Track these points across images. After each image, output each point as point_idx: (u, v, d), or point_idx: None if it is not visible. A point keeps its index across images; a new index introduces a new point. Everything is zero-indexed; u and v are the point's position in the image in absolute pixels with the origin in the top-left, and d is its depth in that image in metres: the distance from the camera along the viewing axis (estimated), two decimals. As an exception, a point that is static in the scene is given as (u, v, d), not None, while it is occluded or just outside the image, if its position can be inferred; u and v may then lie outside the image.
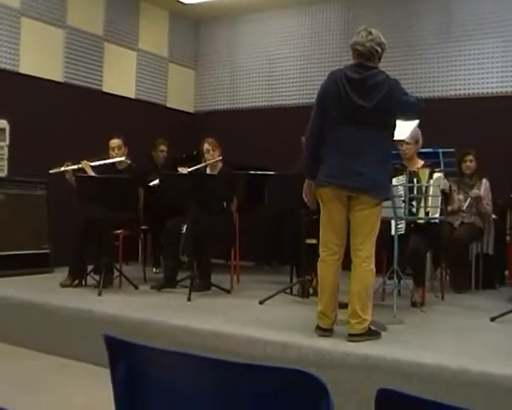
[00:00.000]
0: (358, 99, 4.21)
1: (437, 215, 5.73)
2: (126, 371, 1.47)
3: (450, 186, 6.59)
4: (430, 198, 5.58)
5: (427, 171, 5.85)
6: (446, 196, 6.34)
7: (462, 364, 3.71)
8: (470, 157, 7.04)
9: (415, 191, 5.55)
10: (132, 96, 9.23)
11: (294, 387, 1.22)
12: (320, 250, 4.40)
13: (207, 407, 1.40)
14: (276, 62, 9.63)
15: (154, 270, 7.66)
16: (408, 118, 4.62)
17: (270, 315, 5.16)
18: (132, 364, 1.47)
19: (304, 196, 4.61)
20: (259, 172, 7.23)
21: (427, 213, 5.68)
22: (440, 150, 7.08)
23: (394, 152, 5.57)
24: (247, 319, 4.94)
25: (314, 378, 1.18)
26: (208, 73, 10.30)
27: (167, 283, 6.27)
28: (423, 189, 5.58)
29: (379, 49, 4.34)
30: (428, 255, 6.29)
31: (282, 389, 1.24)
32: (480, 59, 8.26)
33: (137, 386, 1.52)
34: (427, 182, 5.69)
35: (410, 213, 5.58)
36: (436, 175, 5.80)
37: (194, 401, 1.44)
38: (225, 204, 6.42)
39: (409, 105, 4.34)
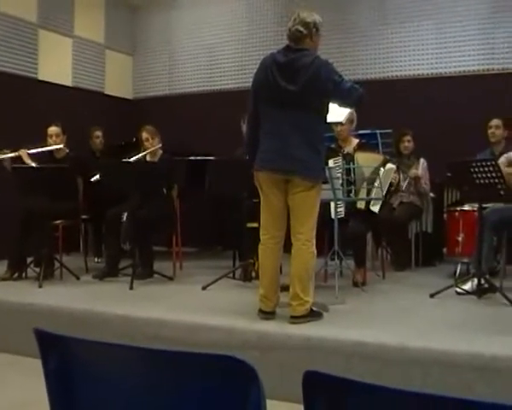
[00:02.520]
0: (285, 83, 4.21)
1: (377, 208, 5.81)
2: (58, 364, 1.46)
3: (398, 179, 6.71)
4: (375, 189, 5.64)
5: (381, 158, 5.93)
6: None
7: (402, 341, 3.78)
8: (408, 137, 7.14)
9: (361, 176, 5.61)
10: (69, 83, 9.06)
11: (223, 372, 1.22)
12: (260, 234, 4.42)
13: (139, 396, 1.39)
14: (215, 47, 9.59)
15: (96, 259, 7.58)
16: (344, 103, 4.59)
17: (212, 301, 5.16)
18: (64, 357, 1.45)
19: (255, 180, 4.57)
20: (200, 158, 7.21)
21: (368, 203, 5.75)
22: (378, 131, 7.18)
23: (329, 134, 5.61)
24: (189, 306, 4.93)
25: (242, 363, 1.18)
26: (146, 59, 10.19)
27: (109, 272, 6.20)
28: (364, 171, 5.63)
29: (304, 30, 4.30)
30: (369, 235, 6.38)
31: (211, 375, 1.25)
32: (416, 41, 8.38)
33: (69, 379, 1.51)
34: (378, 169, 5.74)
35: (349, 196, 5.64)
36: (388, 166, 5.88)
37: (126, 390, 1.44)
38: (166, 191, 6.39)
39: (344, 90, 4.28)
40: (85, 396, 1.48)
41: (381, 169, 5.75)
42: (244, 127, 4.77)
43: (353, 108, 4.99)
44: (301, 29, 4.30)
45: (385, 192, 5.77)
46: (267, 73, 4.29)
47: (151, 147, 6.50)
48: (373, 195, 5.68)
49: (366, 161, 5.79)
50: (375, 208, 5.82)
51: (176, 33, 9.92)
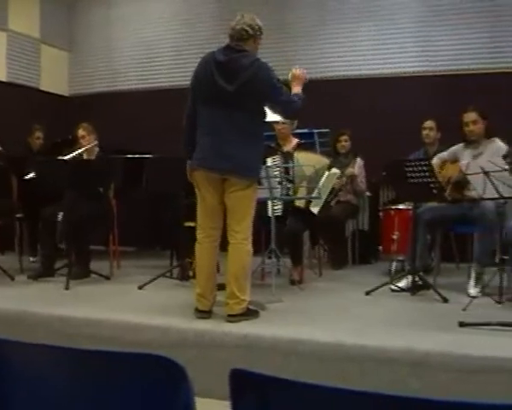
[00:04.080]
0: (223, 82, 4.22)
1: (317, 209, 5.87)
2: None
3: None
4: (316, 190, 5.69)
5: (326, 161, 5.98)
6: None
7: (338, 338, 3.82)
8: (345, 137, 7.24)
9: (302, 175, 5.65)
10: (4, 78, 8.86)
11: (153, 372, 1.21)
12: (197, 233, 4.42)
13: (69, 396, 1.38)
14: (153, 44, 9.51)
15: (31, 259, 7.42)
16: (278, 112, 4.64)
17: (149, 300, 5.13)
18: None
19: (188, 178, 4.55)
20: (137, 156, 7.15)
21: (308, 203, 5.80)
22: (315, 131, 7.25)
23: (268, 133, 5.64)
24: (126, 305, 4.88)
25: (172, 362, 1.18)
26: (84, 54, 10.03)
27: (45, 272, 6.09)
28: (305, 170, 5.67)
29: (249, 30, 4.34)
30: (306, 234, 6.44)
31: (140, 374, 1.24)
32: (354, 42, 8.49)
33: (2, 381, 1.48)
34: (322, 172, 5.80)
35: (287, 194, 5.68)
36: (333, 171, 5.94)
37: (60, 391, 1.42)
38: (102, 189, 6.31)
39: (281, 100, 4.34)
40: (19, 398, 1.46)
41: (326, 172, 5.82)
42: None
43: (287, 119, 5.06)
44: (247, 29, 4.34)
45: (326, 196, 5.85)
46: (206, 71, 4.30)
47: (87, 144, 6.41)
48: (315, 193, 5.74)
49: (309, 160, 5.81)
50: (315, 209, 5.87)
51: (115, 29, 9.80)
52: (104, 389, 1.30)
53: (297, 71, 4.56)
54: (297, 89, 4.49)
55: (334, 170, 6.03)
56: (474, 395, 3.37)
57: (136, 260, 7.65)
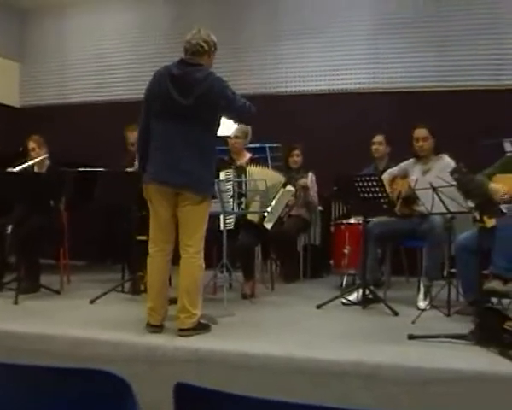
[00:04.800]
0: (178, 95, 4.22)
1: (270, 225, 5.91)
2: None
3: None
4: (270, 206, 5.73)
5: (282, 179, 6.02)
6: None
7: (288, 352, 3.83)
8: (296, 152, 7.29)
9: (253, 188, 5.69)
10: (-49, 89, 8.71)
11: (98, 387, 1.21)
12: (149, 247, 4.41)
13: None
14: (107, 56, 9.44)
15: (-21, 273, 7.27)
16: (235, 119, 4.68)
17: (101, 314, 5.07)
18: None
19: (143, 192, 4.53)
20: (89, 169, 7.08)
21: (262, 218, 5.83)
22: (267, 145, 7.29)
23: (222, 148, 5.66)
24: (77, 320, 4.82)
25: (116, 377, 1.18)
26: (36, 65, 9.89)
27: (-8, 286, 5.98)
28: (258, 184, 5.69)
29: (204, 45, 4.37)
30: (258, 248, 6.47)
31: (85, 389, 1.23)
32: (305, 58, 8.57)
33: None
34: (278, 188, 5.85)
35: (240, 208, 5.70)
36: (288, 188, 5.99)
37: (3, 406, 1.41)
38: (53, 202, 6.23)
39: (236, 107, 4.37)
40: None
41: (281, 190, 5.87)
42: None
43: (244, 123, 5.09)
44: (203, 44, 4.36)
45: (280, 212, 5.91)
46: (161, 85, 4.29)
47: (37, 157, 6.33)
48: (270, 214, 5.79)
49: (262, 175, 5.84)
50: (268, 225, 5.91)
51: (68, 40, 9.70)
52: (51, 404, 1.29)
53: None
54: None
55: (289, 187, 6.09)
56: (424, 407, 3.42)
57: (87, 275, 7.56)
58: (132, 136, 6.67)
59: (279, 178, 6.09)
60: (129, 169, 6.46)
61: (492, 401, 3.37)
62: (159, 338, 4.21)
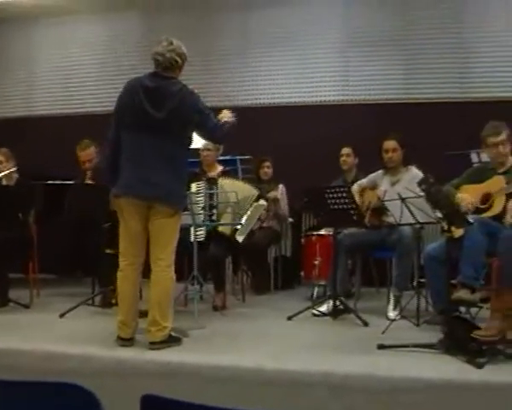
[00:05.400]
0: (151, 108, 4.21)
1: (242, 238, 5.94)
2: None
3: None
4: (244, 220, 5.76)
5: (255, 192, 6.04)
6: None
7: (259, 363, 3.84)
8: (267, 164, 7.31)
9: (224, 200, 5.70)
10: None
11: (64, 400, 1.21)
12: (119, 260, 4.38)
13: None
14: (76, 68, 9.38)
15: None
16: (207, 138, 4.70)
17: (70, 328, 5.03)
18: None
19: (111, 205, 4.51)
20: (58, 182, 7.04)
21: (234, 231, 5.85)
22: (238, 157, 7.31)
23: (193, 160, 5.68)
24: (46, 334, 4.78)
25: (84, 390, 1.18)
26: (3, 77, 9.79)
27: (-40, 301, 5.91)
28: (229, 196, 5.71)
29: (178, 60, 4.37)
30: (229, 259, 6.47)
31: (54, 403, 1.23)
32: (277, 70, 8.63)
33: None
34: (251, 202, 5.87)
35: (211, 220, 5.71)
36: (261, 202, 6.02)
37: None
38: (22, 215, 6.18)
39: (210, 126, 4.36)
40: None
41: (254, 203, 5.89)
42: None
43: (215, 143, 5.14)
44: (177, 59, 4.35)
45: (252, 226, 5.94)
46: (133, 97, 4.27)
47: (5, 170, 6.29)
48: (243, 227, 5.82)
49: (234, 187, 5.86)
50: (240, 238, 5.94)
51: (36, 52, 9.61)
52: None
53: (227, 114, 4.60)
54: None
55: (262, 201, 6.14)
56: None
57: (56, 288, 7.47)
58: (84, 154, 6.62)
59: (252, 191, 6.11)
60: None
61: (460, 409, 3.41)
62: (129, 351, 4.19)
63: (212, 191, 5.81)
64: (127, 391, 3.82)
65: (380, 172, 6.10)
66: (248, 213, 5.84)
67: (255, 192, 6.13)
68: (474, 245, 4.48)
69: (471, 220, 4.48)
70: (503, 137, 5.01)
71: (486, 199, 4.99)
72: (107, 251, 5.77)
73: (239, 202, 5.56)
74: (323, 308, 5.55)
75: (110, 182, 4.43)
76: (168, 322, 4.29)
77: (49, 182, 7.16)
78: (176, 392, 3.66)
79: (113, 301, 5.71)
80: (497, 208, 4.87)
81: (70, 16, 9.40)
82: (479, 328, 4.08)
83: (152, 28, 8.85)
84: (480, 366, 3.67)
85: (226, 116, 4.52)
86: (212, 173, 6.21)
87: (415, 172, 5.74)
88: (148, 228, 4.31)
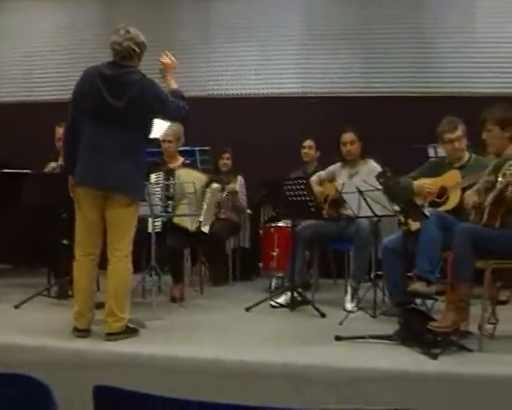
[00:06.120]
0: (110, 97, 4.17)
1: (207, 228, 5.93)
2: None
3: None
4: (206, 209, 5.73)
5: (204, 177, 5.99)
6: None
7: (217, 354, 3.84)
8: (227, 155, 7.30)
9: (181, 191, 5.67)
10: None
11: (19, 392, 1.20)
12: (75, 250, 4.34)
13: None
14: (36, 56, 9.23)
15: None
16: (169, 120, 4.69)
17: (26, 319, 4.96)
18: None
19: (70, 194, 4.45)
20: (14, 171, 6.91)
21: (199, 227, 5.84)
22: (197, 148, 7.28)
23: (155, 150, 5.64)
24: (1, 326, 4.71)
25: (37, 382, 1.16)
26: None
27: None
28: (185, 187, 5.68)
29: (136, 49, 4.33)
30: (188, 251, 6.44)
31: (6, 394, 1.21)
32: (239, 61, 8.62)
33: None
34: (204, 189, 5.85)
35: (166, 211, 5.67)
36: (214, 186, 5.97)
37: None
38: (-24, 205, 6.08)
39: (170, 109, 4.34)
40: None
41: (208, 190, 5.86)
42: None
43: (178, 122, 5.11)
44: (135, 48, 4.32)
45: (213, 213, 5.93)
46: (92, 85, 4.22)
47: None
48: (204, 217, 5.79)
49: (189, 177, 5.83)
50: (206, 229, 5.93)
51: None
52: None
53: (165, 59, 4.59)
54: (172, 82, 4.59)
55: (215, 185, 6.09)
56: (352, 404, 3.49)
57: (11, 279, 7.36)
58: (60, 131, 6.54)
59: (202, 177, 6.05)
60: (52, 164, 6.37)
61: (416, 399, 3.46)
62: (86, 343, 4.16)
63: (168, 182, 5.75)
64: (83, 383, 3.78)
65: (338, 164, 6.14)
66: (207, 202, 5.80)
67: (204, 178, 6.06)
68: (430, 239, 4.54)
69: (427, 214, 4.53)
70: (458, 133, 5.08)
71: (442, 193, 5.06)
72: (64, 242, 5.69)
73: (196, 192, 5.52)
74: (281, 300, 5.57)
75: (68, 170, 4.37)
76: (125, 313, 4.26)
77: (5, 170, 7.03)
78: (133, 383, 3.65)
79: (70, 293, 5.65)
80: (452, 202, 4.94)
81: (30, 3, 9.25)
82: (434, 320, 4.14)
83: (112, 16, 8.75)
84: (434, 357, 3.73)
85: (166, 63, 4.56)
86: (174, 165, 6.18)
87: (373, 166, 5.79)
88: (106, 218, 4.27)
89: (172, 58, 4.65)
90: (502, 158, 4.25)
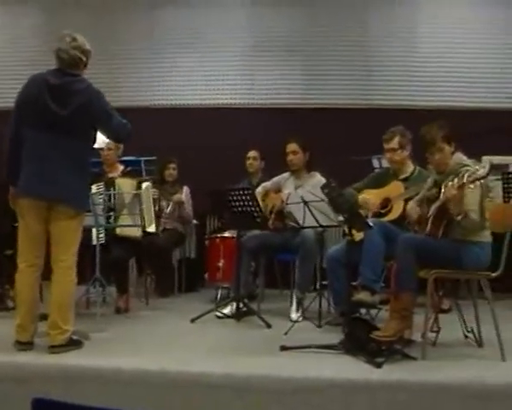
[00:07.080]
0: (55, 105, 4.10)
1: (153, 227, 5.88)
2: None
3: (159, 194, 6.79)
4: (145, 210, 5.67)
5: (133, 181, 5.92)
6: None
7: (162, 366, 3.82)
8: (173, 165, 7.28)
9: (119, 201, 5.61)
10: None
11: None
12: (18, 261, 4.25)
13: None
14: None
15: None
16: (110, 137, 4.65)
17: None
18: None
19: (11, 205, 4.36)
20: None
21: (143, 227, 5.77)
22: (142, 158, 7.24)
23: (96, 160, 5.57)
24: None
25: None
26: None
27: None
28: (125, 197, 5.64)
29: (83, 58, 4.29)
30: (133, 262, 6.39)
31: None
32: (183, 71, 8.60)
33: None
34: (138, 194, 5.78)
35: (109, 222, 5.60)
36: (144, 185, 5.91)
37: None
38: None
39: (114, 125, 4.31)
40: None
41: (141, 192, 5.78)
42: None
43: (119, 143, 5.08)
44: (81, 56, 4.28)
45: (153, 211, 5.88)
46: (36, 93, 4.14)
47: None
48: (146, 218, 5.72)
49: (125, 186, 5.80)
50: (152, 228, 5.89)
51: None
52: None
53: None
54: None
55: (145, 183, 5.99)
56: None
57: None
58: None
59: (133, 183, 5.95)
60: None
61: (361, 408, 3.51)
62: (28, 356, 4.07)
63: (109, 192, 5.68)
64: (26, 396, 3.71)
65: (285, 174, 6.19)
66: (143, 203, 5.71)
67: (134, 182, 5.97)
68: (374, 248, 4.60)
69: (371, 224, 4.60)
70: (393, 144, 5.18)
71: (386, 204, 5.14)
72: (6, 252, 5.59)
73: (132, 200, 5.47)
74: (227, 310, 5.57)
75: (10, 181, 4.29)
76: (69, 325, 4.20)
77: None
78: (78, 396, 3.59)
79: (11, 304, 5.54)
80: (396, 213, 5.03)
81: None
82: (378, 329, 4.20)
83: (56, 23, 8.59)
84: (378, 366, 3.78)
85: None
86: (114, 174, 6.11)
87: (318, 178, 5.85)
88: (49, 229, 4.20)
89: None
90: (446, 172, 4.28)
